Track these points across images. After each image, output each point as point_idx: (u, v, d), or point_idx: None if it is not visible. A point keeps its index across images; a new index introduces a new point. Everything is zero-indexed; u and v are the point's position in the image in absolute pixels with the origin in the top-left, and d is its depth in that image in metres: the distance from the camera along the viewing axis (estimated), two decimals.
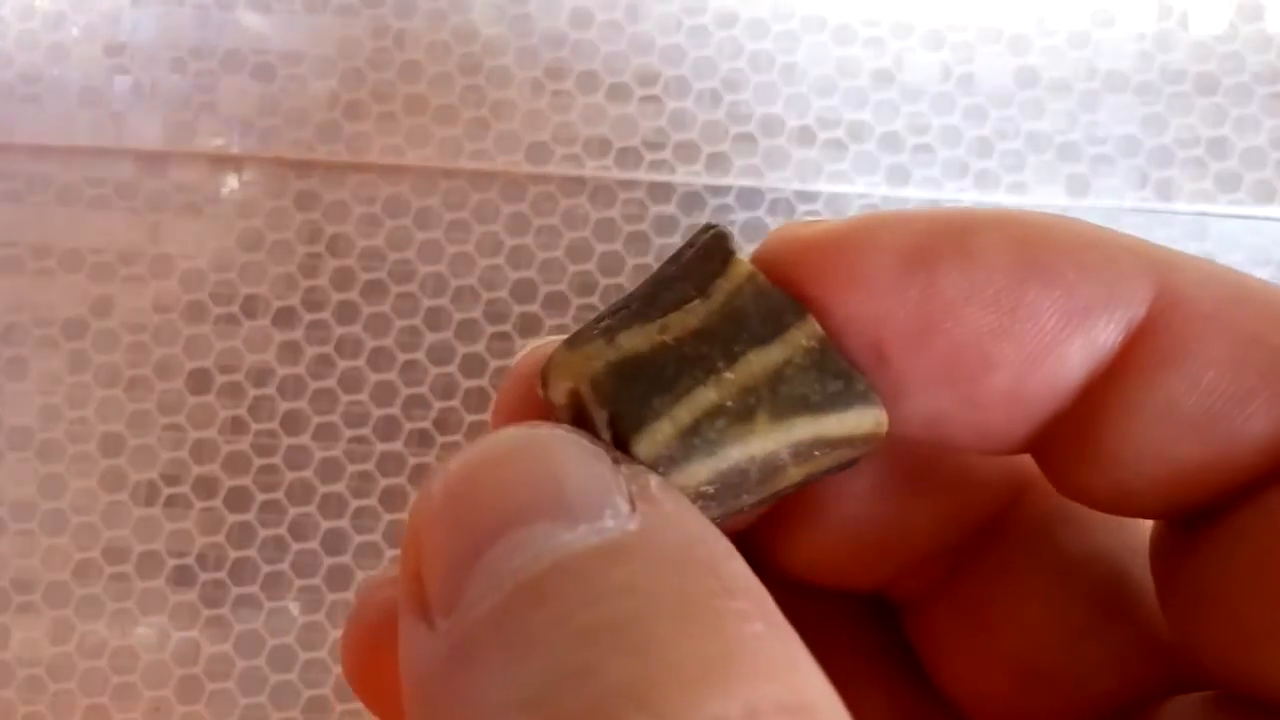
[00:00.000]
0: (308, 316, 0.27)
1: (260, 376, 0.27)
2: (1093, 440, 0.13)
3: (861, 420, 0.13)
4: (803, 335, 0.13)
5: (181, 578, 0.26)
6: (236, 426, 0.27)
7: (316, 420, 0.27)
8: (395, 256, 0.27)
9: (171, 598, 0.26)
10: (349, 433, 0.27)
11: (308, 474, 0.27)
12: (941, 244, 0.13)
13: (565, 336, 0.14)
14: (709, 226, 0.14)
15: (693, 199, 0.27)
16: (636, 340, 0.13)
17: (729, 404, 0.13)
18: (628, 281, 0.27)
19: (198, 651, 0.26)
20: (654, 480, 0.12)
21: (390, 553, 0.27)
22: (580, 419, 0.13)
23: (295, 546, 0.27)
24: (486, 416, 0.27)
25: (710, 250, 0.14)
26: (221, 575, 0.26)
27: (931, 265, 0.13)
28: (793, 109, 0.28)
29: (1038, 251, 0.13)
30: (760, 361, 0.13)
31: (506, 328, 0.27)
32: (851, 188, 0.27)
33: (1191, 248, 0.27)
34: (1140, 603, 0.15)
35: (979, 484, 0.16)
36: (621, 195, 0.27)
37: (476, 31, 0.28)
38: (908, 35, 0.28)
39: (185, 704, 0.26)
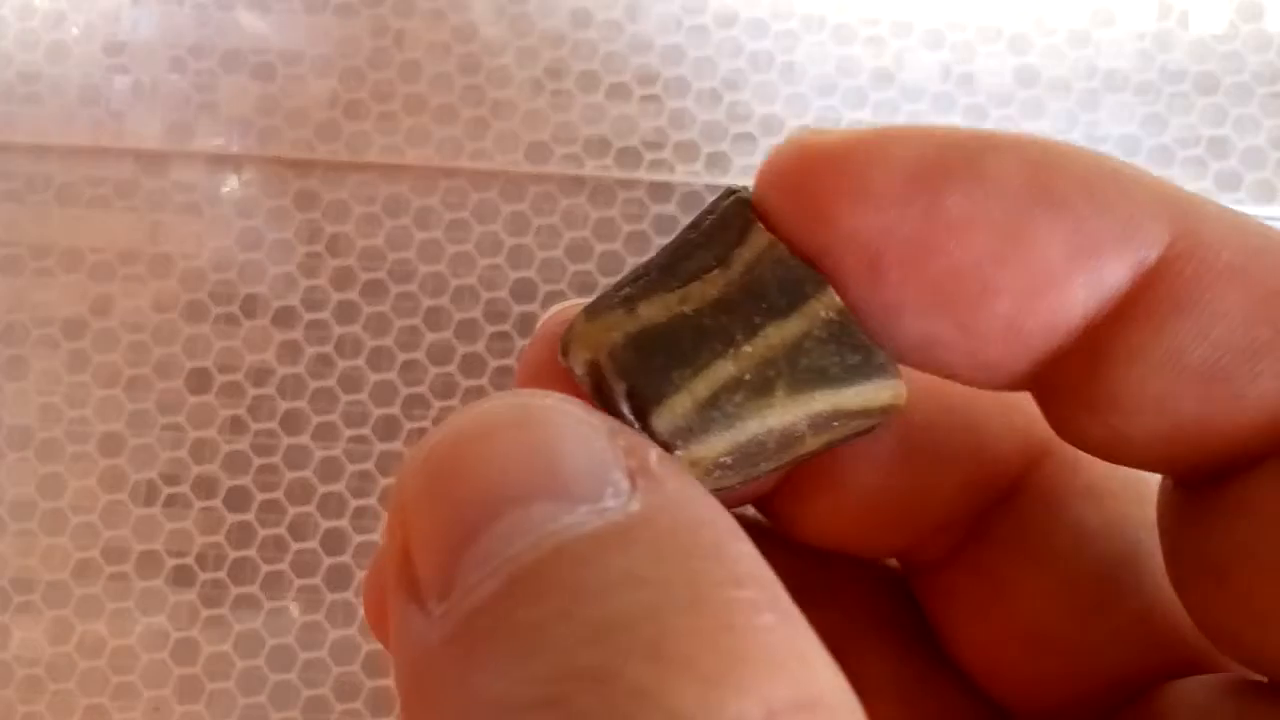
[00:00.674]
0: (307, 316, 0.27)
1: (260, 376, 0.27)
2: (1093, 384, 0.13)
3: (880, 392, 0.13)
4: (822, 307, 0.13)
5: (181, 577, 0.26)
6: (236, 426, 0.27)
7: (316, 420, 0.27)
8: (395, 256, 0.27)
9: (171, 597, 0.26)
10: (349, 432, 0.27)
11: (307, 474, 0.27)
12: (953, 162, 0.13)
13: (587, 302, 0.13)
14: (730, 191, 0.14)
15: (693, 198, 0.27)
16: (655, 310, 0.13)
17: (747, 377, 0.13)
18: None
19: (197, 651, 0.26)
20: (653, 454, 0.11)
21: None
22: (600, 388, 0.13)
23: (295, 546, 0.27)
24: None
25: (729, 218, 0.13)
26: (221, 575, 0.26)
27: (939, 183, 0.13)
28: (792, 108, 0.28)
29: (1052, 178, 0.13)
30: (779, 334, 0.13)
31: (506, 327, 0.27)
32: None
33: None
34: (1154, 578, 0.15)
35: (996, 452, 0.16)
36: (621, 195, 0.27)
37: (476, 31, 0.28)
38: (907, 35, 0.28)
39: (185, 704, 0.26)
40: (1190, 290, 0.12)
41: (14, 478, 0.27)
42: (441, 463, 0.11)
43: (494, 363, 0.27)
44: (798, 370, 0.13)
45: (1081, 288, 0.13)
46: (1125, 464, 0.14)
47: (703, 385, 0.12)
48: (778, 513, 0.16)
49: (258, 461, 0.27)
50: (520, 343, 0.27)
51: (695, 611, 0.10)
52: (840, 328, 0.13)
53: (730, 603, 0.10)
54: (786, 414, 0.13)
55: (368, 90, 0.28)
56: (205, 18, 0.28)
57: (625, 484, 0.11)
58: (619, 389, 0.13)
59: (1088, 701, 0.15)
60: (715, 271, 0.13)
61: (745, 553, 0.11)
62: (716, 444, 0.12)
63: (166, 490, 0.27)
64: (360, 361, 0.27)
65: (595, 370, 0.13)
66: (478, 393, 0.27)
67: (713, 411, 0.12)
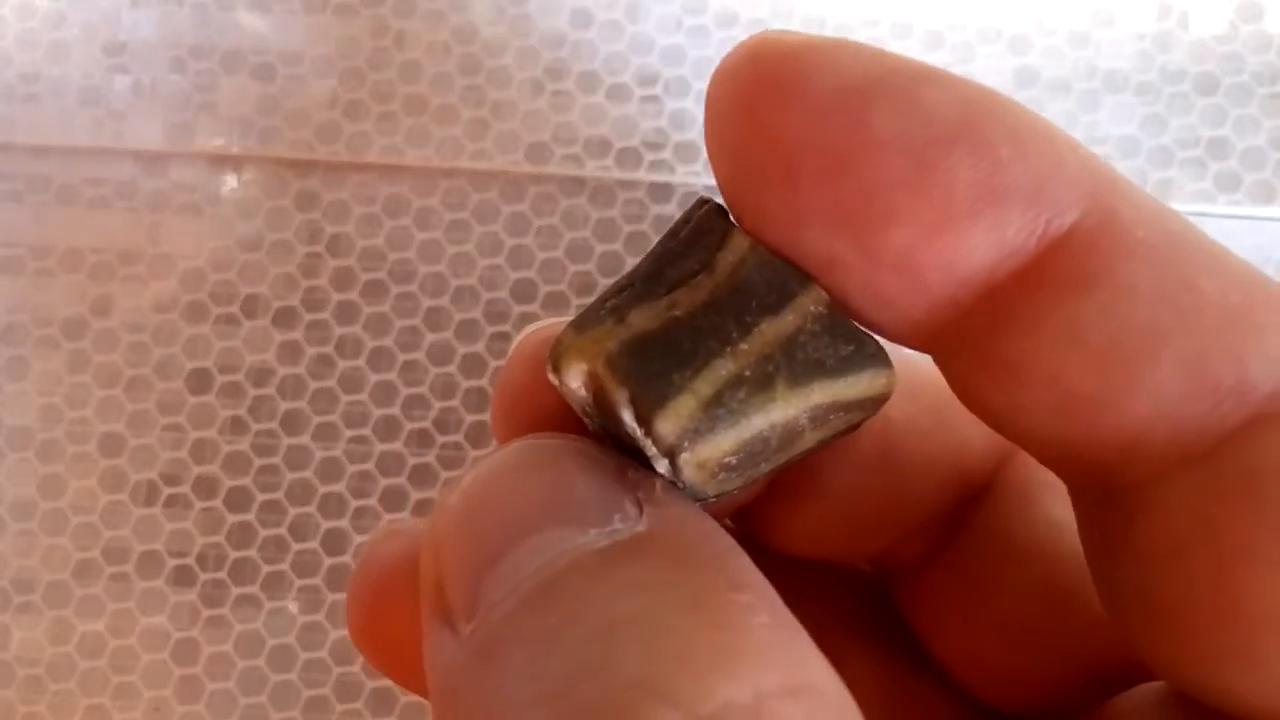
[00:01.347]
0: (308, 316, 0.27)
1: (260, 376, 0.27)
2: (990, 346, 0.13)
3: (875, 380, 0.13)
4: (810, 301, 0.13)
5: (181, 578, 0.26)
6: (236, 426, 0.27)
7: (316, 420, 0.27)
8: (395, 256, 0.27)
9: (171, 598, 0.26)
10: (349, 433, 0.27)
11: (308, 474, 0.27)
12: (892, 82, 0.12)
13: (567, 319, 0.14)
14: (703, 200, 0.14)
15: (693, 199, 0.27)
16: (646, 318, 0.13)
17: (748, 373, 0.13)
18: None
19: (198, 651, 0.26)
20: (659, 484, 0.12)
21: None
22: (600, 400, 0.13)
23: (295, 546, 0.27)
24: (486, 416, 0.27)
25: (707, 224, 0.13)
26: (221, 575, 0.26)
27: (870, 100, 0.12)
28: None
29: (982, 120, 0.12)
30: (773, 330, 0.13)
31: (506, 328, 0.27)
32: None
33: None
34: None
35: (971, 450, 0.16)
36: (621, 195, 0.27)
37: (476, 31, 0.28)
38: (907, 35, 0.28)
39: (185, 704, 0.26)
40: (1099, 264, 0.12)
41: (15, 478, 0.27)
42: (469, 500, 0.12)
43: (494, 363, 0.27)
44: (795, 363, 0.13)
45: (983, 233, 0.12)
46: (1024, 444, 0.13)
47: (705, 384, 0.12)
48: (757, 523, 0.16)
49: (258, 462, 0.27)
50: None
51: (693, 612, 0.11)
52: (831, 320, 0.13)
53: (727, 604, 0.11)
54: (789, 408, 0.13)
55: (368, 91, 0.28)
56: (205, 18, 0.28)
57: (633, 510, 0.12)
58: (620, 397, 0.13)
59: (1069, 697, 0.15)
60: (700, 276, 0.13)
61: (744, 565, 0.11)
62: (723, 442, 0.12)
63: (167, 491, 0.27)
64: (360, 362, 0.27)
65: (594, 381, 0.13)
66: (478, 393, 0.27)
67: (718, 409, 0.12)
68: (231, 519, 0.27)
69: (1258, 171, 0.27)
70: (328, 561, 0.27)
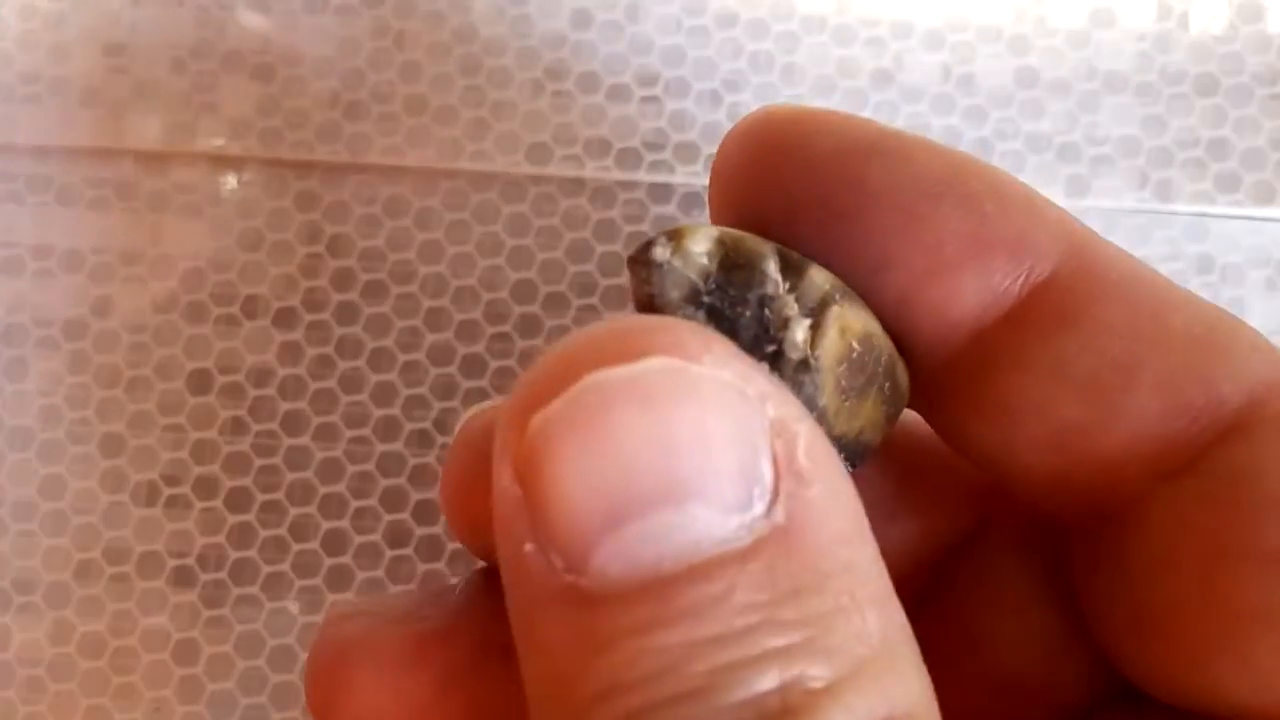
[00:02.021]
0: (308, 317, 0.27)
1: (261, 377, 0.27)
2: (981, 387, 0.14)
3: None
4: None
5: (182, 578, 0.27)
6: (237, 427, 0.27)
7: (317, 421, 0.27)
8: (395, 257, 0.27)
9: (172, 598, 0.26)
10: (349, 433, 0.27)
11: (308, 474, 0.27)
12: (886, 143, 0.14)
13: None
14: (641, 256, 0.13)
15: (693, 199, 0.28)
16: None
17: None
18: (628, 282, 0.27)
19: (198, 652, 0.26)
20: (801, 445, 0.11)
21: (391, 553, 0.27)
22: (733, 263, 0.13)
23: (296, 547, 0.27)
24: None
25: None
26: (222, 576, 0.26)
27: (866, 158, 0.14)
28: None
29: (967, 178, 0.14)
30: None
31: (507, 328, 0.27)
32: None
33: (1191, 249, 0.27)
34: None
35: (954, 499, 0.16)
36: (622, 196, 0.28)
37: (476, 32, 0.28)
38: (908, 36, 0.28)
39: (186, 704, 0.26)
40: (1078, 305, 0.13)
41: (15, 479, 0.27)
42: (590, 422, 0.11)
43: (494, 364, 0.27)
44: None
45: (972, 279, 0.13)
46: (1016, 478, 0.14)
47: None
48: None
49: (258, 462, 0.27)
50: (521, 344, 0.27)
51: (830, 630, 0.11)
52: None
53: (855, 610, 0.11)
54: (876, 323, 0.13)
55: (368, 91, 0.28)
56: (205, 19, 0.28)
57: (770, 478, 0.11)
58: (766, 249, 0.13)
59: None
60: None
61: (868, 562, 0.11)
62: (855, 319, 0.13)
63: (167, 491, 0.27)
64: (361, 362, 0.27)
65: (727, 244, 0.13)
66: (478, 394, 0.27)
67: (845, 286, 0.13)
68: (232, 519, 0.27)
69: (1258, 172, 0.27)
70: (328, 562, 0.27)
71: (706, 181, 0.28)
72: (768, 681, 0.10)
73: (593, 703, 0.10)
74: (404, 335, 0.27)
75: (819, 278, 0.13)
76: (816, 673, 0.10)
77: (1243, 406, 0.13)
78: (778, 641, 0.10)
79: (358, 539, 0.27)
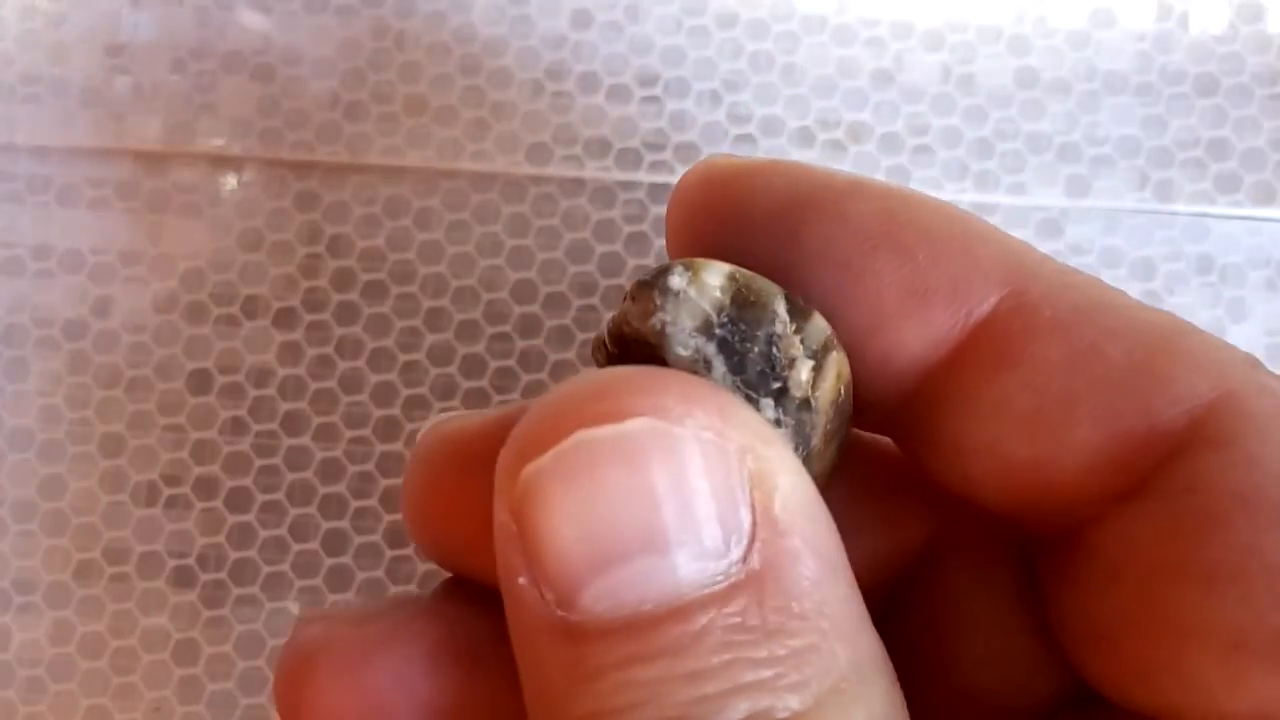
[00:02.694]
0: (308, 317, 0.27)
1: (261, 377, 0.27)
2: (934, 428, 0.14)
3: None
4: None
5: (182, 578, 0.27)
6: (237, 427, 0.27)
7: (317, 421, 0.27)
8: (395, 257, 0.27)
9: (172, 598, 0.26)
10: (349, 433, 0.27)
11: (308, 475, 0.27)
12: (819, 198, 0.14)
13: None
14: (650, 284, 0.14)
15: None
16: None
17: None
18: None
19: (198, 652, 0.26)
20: (778, 498, 0.12)
21: (391, 553, 0.27)
22: (745, 299, 0.13)
23: (296, 547, 0.27)
24: None
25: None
26: (222, 576, 0.26)
27: (800, 217, 0.14)
28: (793, 110, 0.28)
29: (900, 228, 0.14)
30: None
31: (507, 328, 0.27)
32: None
33: (1191, 249, 0.27)
34: None
35: (923, 509, 0.17)
36: (622, 196, 0.28)
37: (476, 32, 0.28)
38: (908, 36, 0.28)
39: (186, 704, 0.26)
40: (1016, 344, 0.13)
41: (15, 479, 0.27)
42: (577, 476, 0.12)
43: (494, 364, 0.27)
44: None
45: (913, 329, 0.14)
46: (978, 506, 0.15)
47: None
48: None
49: (258, 462, 0.27)
50: (521, 344, 0.27)
51: (798, 666, 0.12)
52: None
53: (824, 651, 0.12)
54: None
55: (368, 91, 0.28)
56: (205, 19, 0.28)
57: (747, 525, 0.12)
58: (776, 290, 0.13)
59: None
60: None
61: (839, 600, 0.12)
62: (844, 362, 0.14)
63: (167, 491, 0.27)
64: (361, 363, 0.27)
65: (739, 281, 0.13)
66: (478, 394, 0.27)
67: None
68: (232, 519, 0.27)
69: (1258, 172, 0.27)
70: (328, 562, 0.27)
71: None
72: (738, 713, 0.11)
73: None
74: (404, 335, 0.27)
75: (821, 322, 0.13)
76: (785, 705, 0.11)
77: (1183, 429, 0.13)
78: (748, 677, 0.11)
79: (358, 539, 0.27)
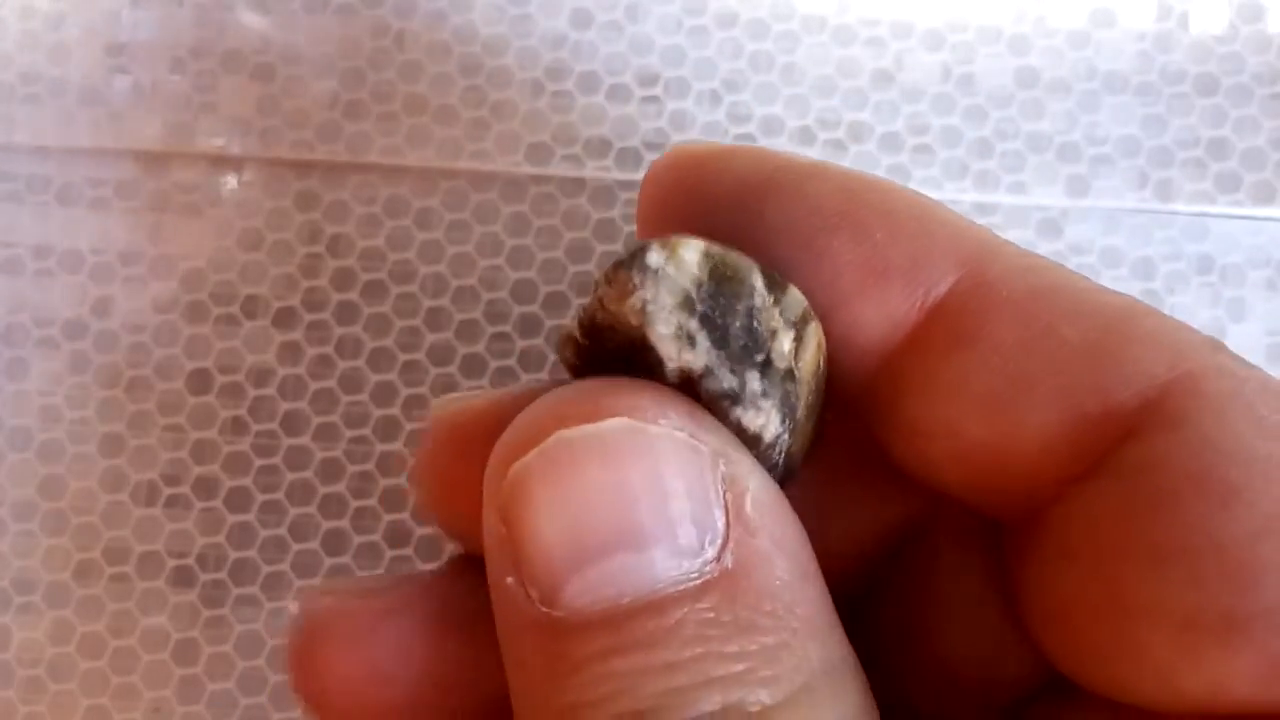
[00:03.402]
0: (308, 317, 0.27)
1: (260, 377, 0.27)
2: (894, 409, 0.14)
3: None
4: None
5: (182, 578, 0.26)
6: (237, 427, 0.27)
7: (317, 421, 0.27)
8: (395, 257, 0.27)
9: (172, 598, 0.26)
10: (349, 433, 0.27)
11: (308, 474, 0.27)
12: (781, 178, 0.14)
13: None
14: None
15: None
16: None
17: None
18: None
19: (198, 652, 0.26)
20: (749, 499, 0.12)
21: (391, 553, 0.27)
22: (722, 275, 0.13)
23: (296, 547, 0.27)
24: None
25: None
26: (222, 576, 0.26)
27: (763, 198, 0.14)
28: (793, 109, 0.28)
29: (857, 207, 0.14)
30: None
31: (507, 328, 0.27)
32: None
33: (1191, 249, 0.27)
34: None
35: (899, 492, 0.17)
36: (622, 196, 0.28)
37: (477, 32, 0.28)
38: (908, 36, 0.28)
39: (185, 704, 0.26)
40: (972, 325, 0.14)
41: (15, 479, 0.27)
42: (558, 473, 0.12)
43: (494, 364, 0.27)
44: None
45: (871, 309, 0.14)
46: (939, 489, 0.15)
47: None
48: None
49: (258, 462, 0.27)
50: (521, 344, 0.27)
51: (768, 663, 0.12)
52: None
53: (793, 651, 0.12)
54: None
55: (368, 91, 0.28)
56: (205, 18, 0.28)
57: (721, 525, 0.12)
58: (751, 263, 0.13)
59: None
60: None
61: (810, 601, 0.12)
62: (821, 333, 0.14)
63: (167, 491, 0.27)
64: (361, 362, 0.27)
65: (715, 258, 0.13)
66: None
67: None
68: (232, 519, 0.27)
69: (1258, 172, 0.27)
70: (328, 562, 0.27)
71: None
72: (710, 705, 0.11)
73: (561, 716, 0.12)
74: (404, 335, 0.27)
75: (797, 293, 0.13)
76: (756, 698, 0.11)
77: (1137, 409, 0.13)
78: (720, 671, 0.11)
79: (358, 539, 0.27)
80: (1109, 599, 0.13)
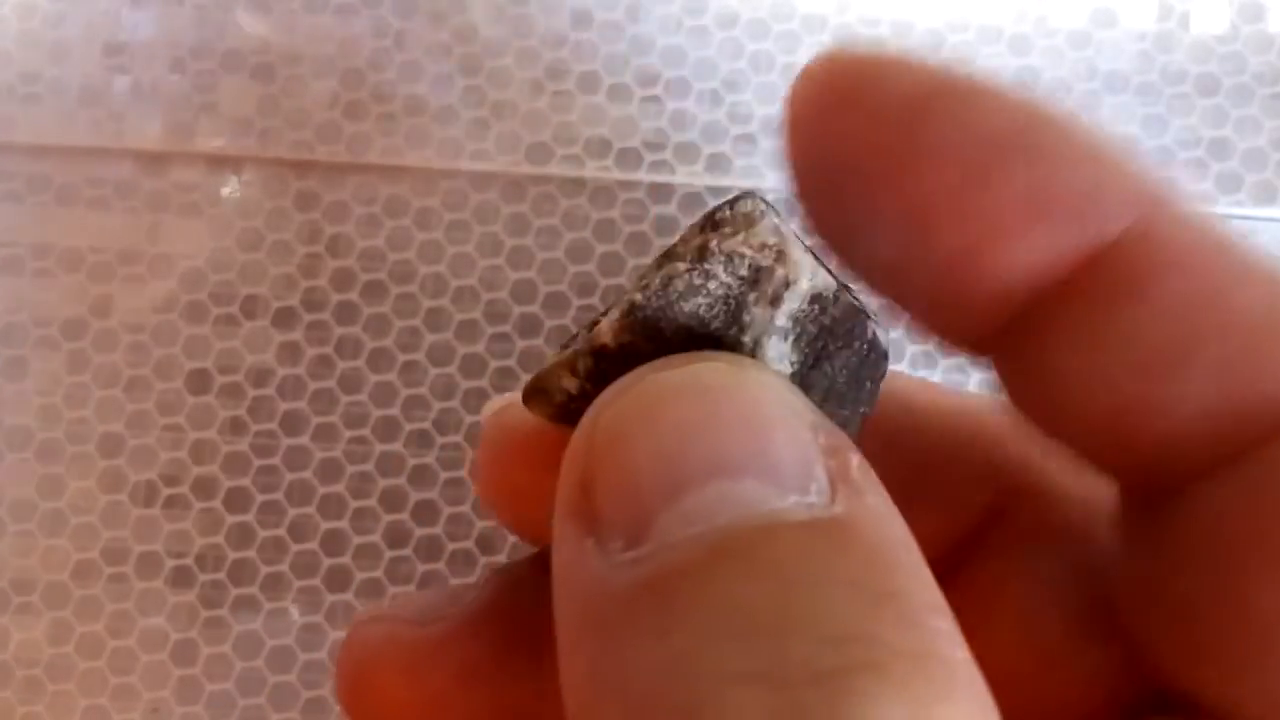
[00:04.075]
0: (307, 317, 0.27)
1: (260, 377, 0.27)
2: (1037, 354, 0.13)
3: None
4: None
5: (180, 578, 0.26)
6: (236, 427, 0.27)
7: (316, 421, 0.27)
8: (395, 257, 0.27)
9: (170, 599, 0.26)
10: (348, 433, 0.27)
11: (307, 475, 0.27)
12: (947, 94, 0.13)
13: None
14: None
15: (693, 199, 0.27)
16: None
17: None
18: (628, 282, 0.27)
19: (197, 652, 0.26)
20: (854, 460, 0.11)
21: (390, 553, 0.27)
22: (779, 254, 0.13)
23: (294, 547, 0.26)
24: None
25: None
26: (220, 576, 0.26)
27: (925, 111, 0.13)
28: None
29: (1034, 132, 0.13)
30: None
31: (506, 328, 0.27)
32: None
33: None
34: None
35: (957, 500, 0.16)
36: (622, 196, 0.27)
37: (477, 32, 0.28)
38: (908, 36, 0.28)
39: (184, 705, 0.26)
40: (1139, 277, 0.12)
41: (14, 478, 0.27)
42: (650, 409, 0.11)
43: (494, 364, 0.27)
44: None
45: (1032, 244, 0.12)
46: (1067, 445, 0.13)
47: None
48: None
49: (257, 462, 0.27)
50: (521, 344, 0.27)
51: (909, 634, 0.10)
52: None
53: (935, 633, 0.10)
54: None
55: (368, 91, 0.28)
56: (205, 19, 0.28)
57: (826, 483, 0.11)
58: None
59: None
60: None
61: (933, 580, 0.11)
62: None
63: (166, 491, 0.27)
64: (360, 362, 0.27)
65: (776, 248, 0.13)
66: (478, 394, 0.27)
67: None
68: (231, 520, 0.27)
69: (1259, 172, 0.27)
70: (327, 562, 0.26)
71: (707, 182, 0.27)
72: (869, 674, 0.10)
73: (667, 675, 0.10)
74: (404, 335, 0.27)
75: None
76: (918, 680, 0.10)
77: None
78: (853, 610, 0.10)
79: (357, 539, 0.27)
80: (1235, 604, 0.12)
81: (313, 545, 0.26)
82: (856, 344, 0.13)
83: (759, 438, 0.11)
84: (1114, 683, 0.14)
